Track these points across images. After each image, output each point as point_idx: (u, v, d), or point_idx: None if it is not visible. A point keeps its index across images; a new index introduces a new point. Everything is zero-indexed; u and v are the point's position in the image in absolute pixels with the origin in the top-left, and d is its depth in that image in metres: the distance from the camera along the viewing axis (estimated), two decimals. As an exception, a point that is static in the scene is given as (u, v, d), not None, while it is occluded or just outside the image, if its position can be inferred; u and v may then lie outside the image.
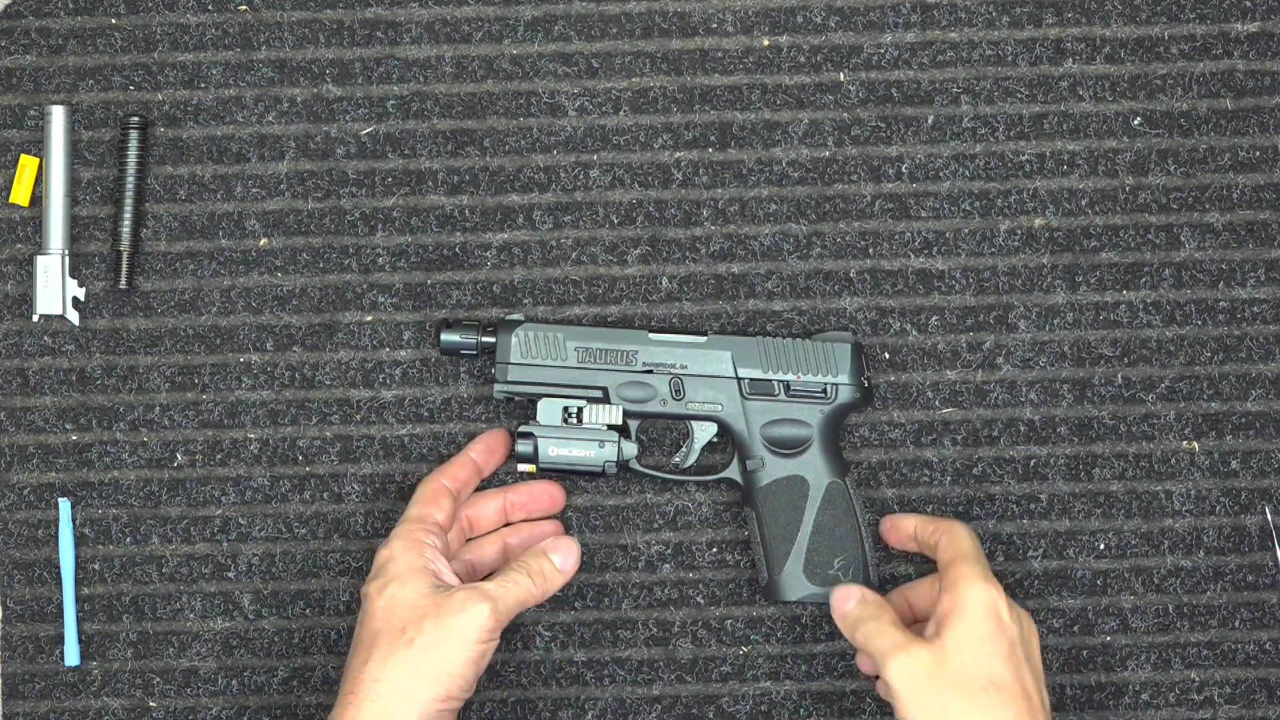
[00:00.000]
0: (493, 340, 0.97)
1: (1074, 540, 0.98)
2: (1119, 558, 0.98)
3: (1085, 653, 0.98)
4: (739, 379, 0.97)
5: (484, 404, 0.99)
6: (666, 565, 0.99)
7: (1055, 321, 0.99)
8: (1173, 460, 0.99)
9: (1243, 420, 0.99)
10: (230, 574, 0.98)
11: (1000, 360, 0.99)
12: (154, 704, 0.98)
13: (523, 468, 0.97)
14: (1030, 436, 0.98)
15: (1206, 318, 0.99)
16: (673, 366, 0.97)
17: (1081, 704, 0.98)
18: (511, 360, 0.97)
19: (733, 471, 0.98)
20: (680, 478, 0.99)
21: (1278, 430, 0.99)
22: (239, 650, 0.98)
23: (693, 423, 0.98)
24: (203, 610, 0.98)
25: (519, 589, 0.92)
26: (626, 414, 0.97)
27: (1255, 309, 0.99)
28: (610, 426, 0.97)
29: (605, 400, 0.97)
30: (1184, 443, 0.99)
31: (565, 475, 0.98)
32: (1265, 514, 0.98)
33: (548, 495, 0.99)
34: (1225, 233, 0.99)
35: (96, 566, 0.98)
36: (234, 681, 0.98)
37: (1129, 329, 0.99)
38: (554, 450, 0.96)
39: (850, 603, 0.91)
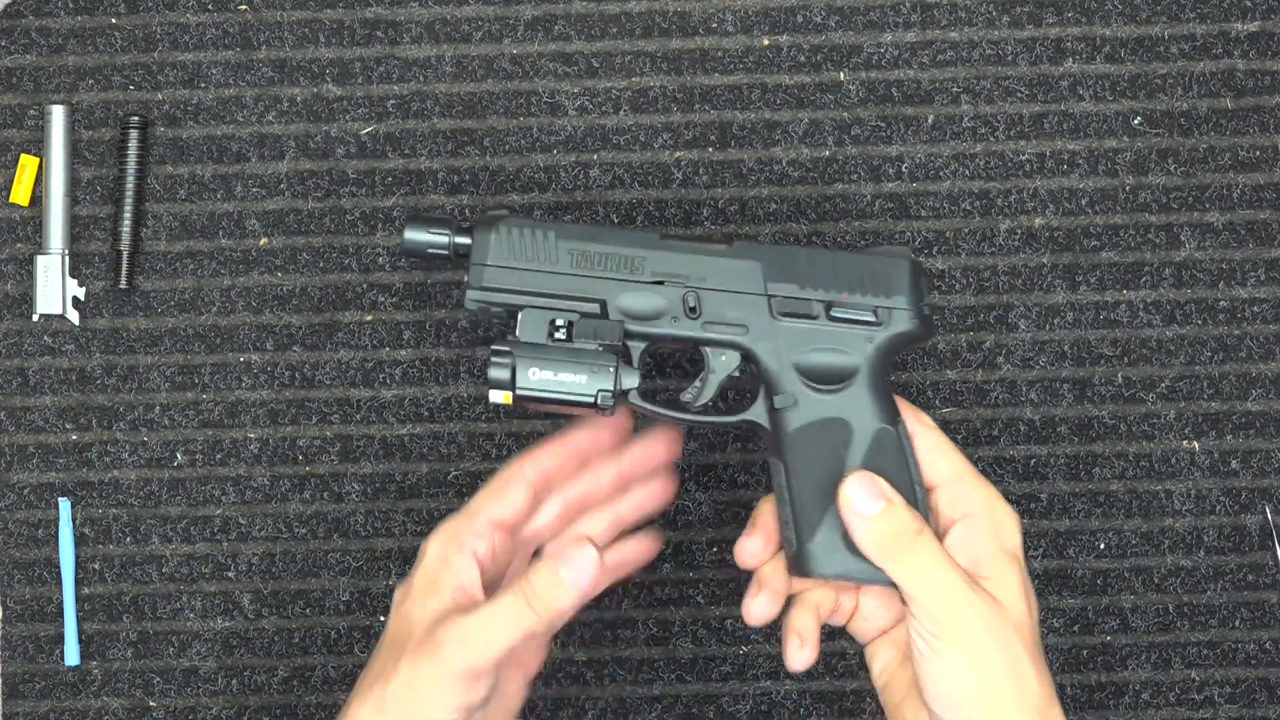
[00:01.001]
0: (468, 241, 0.82)
1: (1074, 540, 0.98)
2: (1119, 557, 0.98)
3: (1085, 653, 0.98)
4: (769, 296, 0.81)
5: (484, 404, 0.99)
6: (666, 565, 0.99)
7: (1055, 321, 0.99)
8: (1173, 460, 0.99)
9: (1243, 420, 0.99)
10: (230, 574, 0.99)
11: (1000, 360, 0.99)
12: (154, 704, 0.98)
13: (495, 396, 0.81)
14: (1030, 436, 0.98)
15: (1207, 317, 0.99)
16: (687, 277, 0.81)
17: (1081, 704, 0.98)
18: (489, 261, 0.81)
19: (757, 412, 0.82)
20: (691, 418, 0.82)
21: (1278, 430, 0.99)
22: (239, 650, 0.98)
23: (709, 350, 0.82)
24: (203, 610, 0.98)
25: (506, 620, 0.75)
26: (628, 333, 0.81)
27: (1255, 308, 0.99)
28: (607, 347, 0.80)
29: (603, 315, 0.81)
30: (1184, 442, 0.99)
31: (549, 407, 0.82)
32: (1265, 514, 0.98)
33: (664, 446, 0.84)
34: (1225, 232, 0.99)
35: (96, 566, 0.98)
36: (234, 681, 0.98)
37: (1129, 328, 0.99)
38: (536, 373, 0.80)
39: (878, 505, 0.76)
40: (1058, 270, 0.99)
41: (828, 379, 0.81)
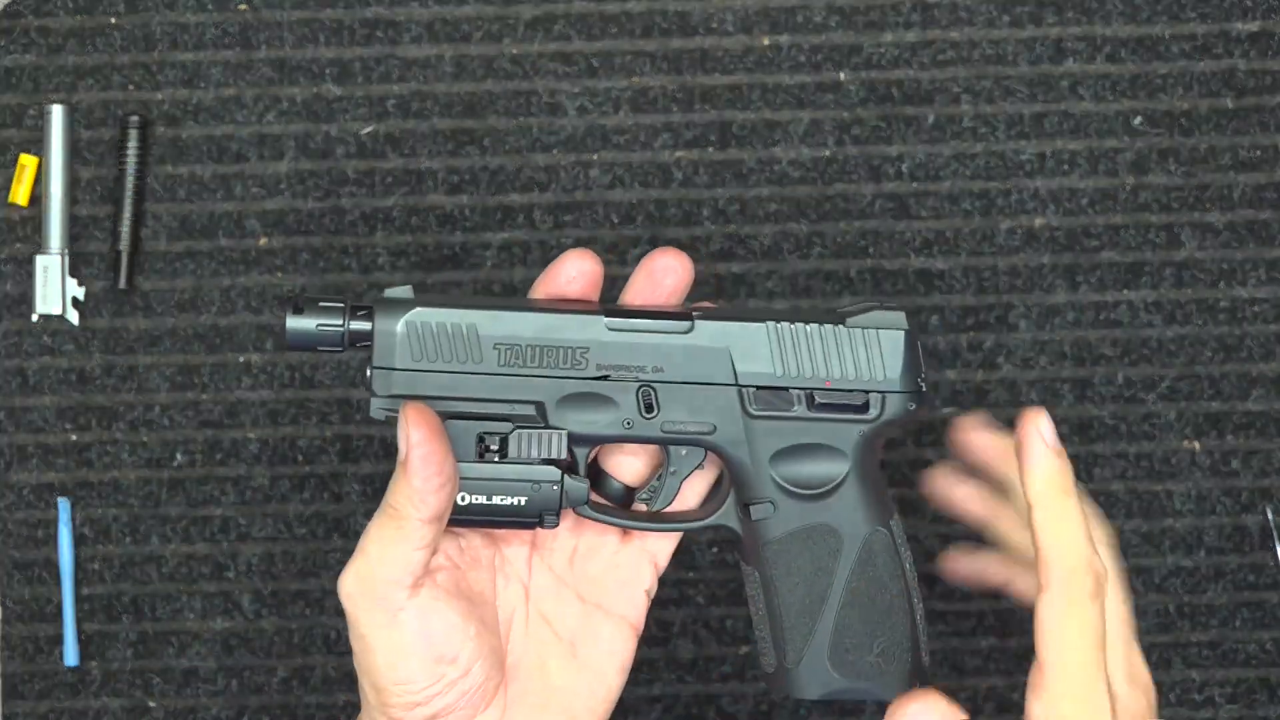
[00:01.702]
0: (367, 328, 0.68)
1: (1074, 540, 0.98)
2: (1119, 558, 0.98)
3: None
4: (740, 386, 0.69)
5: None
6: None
7: (1055, 321, 0.99)
8: (1173, 460, 0.98)
9: (1244, 420, 0.98)
10: (230, 574, 0.98)
11: (1000, 360, 0.99)
12: (154, 704, 0.98)
13: None
14: (1031, 436, 0.98)
15: (1207, 317, 0.99)
16: (641, 369, 0.69)
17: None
18: (397, 364, 0.67)
19: (729, 515, 0.71)
20: (650, 525, 0.72)
21: (1279, 430, 0.98)
22: (239, 650, 0.98)
23: (672, 449, 0.70)
24: (203, 610, 0.98)
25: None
26: (573, 440, 0.69)
27: (1256, 308, 0.99)
28: (549, 461, 0.68)
29: (540, 418, 0.68)
30: (1185, 442, 0.99)
31: (484, 528, 0.72)
32: (1266, 514, 0.98)
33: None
34: (1226, 232, 0.99)
35: (96, 566, 0.98)
36: (234, 681, 0.98)
37: (1129, 328, 0.99)
38: (468, 498, 0.68)
39: (1053, 445, 0.68)
40: (1058, 270, 0.99)
41: (811, 484, 0.69)
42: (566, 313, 0.69)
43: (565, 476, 0.69)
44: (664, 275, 0.72)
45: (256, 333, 0.99)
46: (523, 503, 0.68)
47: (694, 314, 0.69)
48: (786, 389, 0.69)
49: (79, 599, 0.98)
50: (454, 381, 0.68)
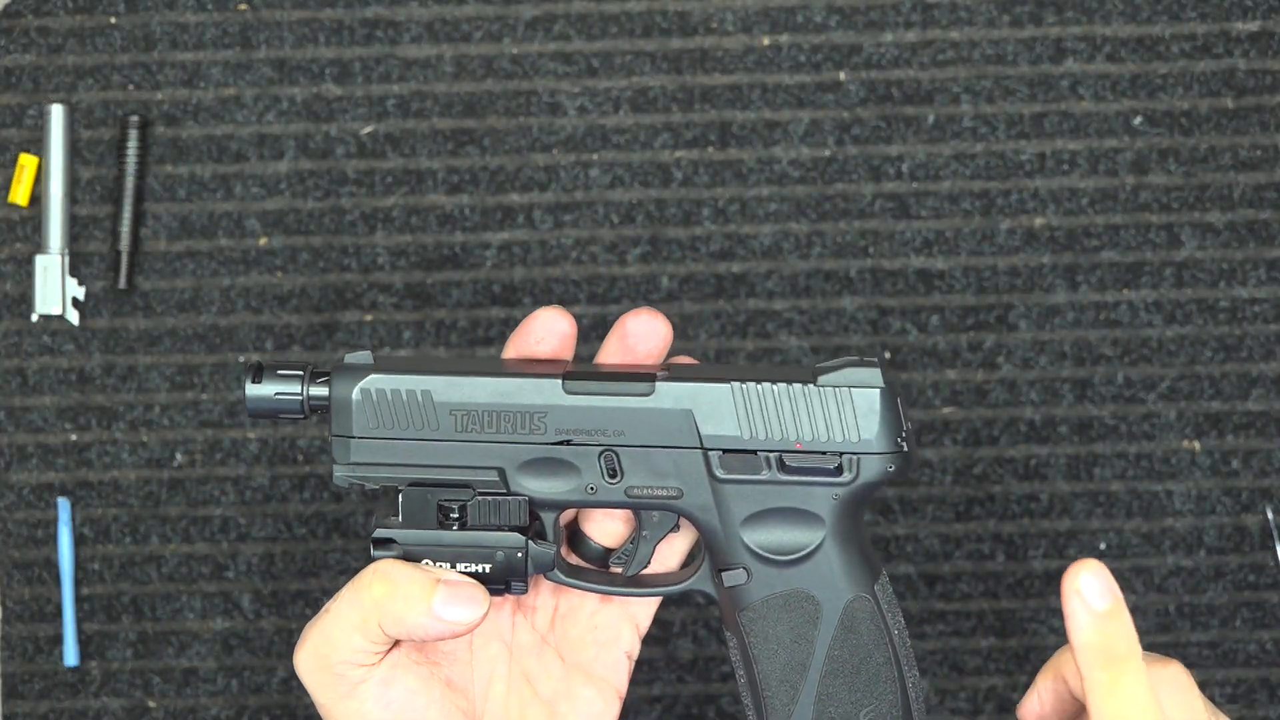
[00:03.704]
0: (325, 394, 0.67)
1: (1074, 540, 0.98)
2: (1119, 558, 0.98)
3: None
4: (705, 450, 0.66)
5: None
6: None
7: (1056, 321, 0.99)
8: (1173, 460, 0.98)
9: (1244, 420, 0.98)
10: (230, 574, 0.99)
11: (1000, 360, 0.99)
12: (154, 704, 0.98)
13: None
14: (1030, 436, 0.98)
15: (1207, 317, 0.99)
16: (603, 433, 0.66)
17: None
18: (355, 432, 0.66)
19: (703, 580, 0.68)
20: (624, 591, 0.69)
21: (1279, 430, 0.98)
22: (239, 650, 0.98)
23: (642, 513, 0.68)
24: (202, 610, 0.98)
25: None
26: (536, 505, 0.67)
27: (1256, 308, 0.99)
28: (512, 528, 0.67)
29: (501, 488, 0.67)
30: (1185, 442, 0.99)
31: None
32: (1266, 514, 0.98)
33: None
34: (1226, 232, 0.99)
35: (96, 566, 0.98)
36: (234, 681, 0.98)
37: (1130, 328, 0.99)
38: (431, 565, 0.67)
39: (1108, 602, 0.63)
40: (1058, 270, 0.99)
41: (786, 549, 0.66)
42: (523, 376, 0.66)
43: (530, 542, 0.67)
44: (637, 341, 0.69)
45: (256, 333, 0.99)
46: (487, 570, 0.66)
47: (658, 375, 0.66)
48: (754, 452, 0.66)
49: (79, 599, 0.98)
50: (411, 449, 0.66)
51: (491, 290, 0.99)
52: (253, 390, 0.67)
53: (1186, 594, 0.98)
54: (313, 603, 0.98)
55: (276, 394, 0.67)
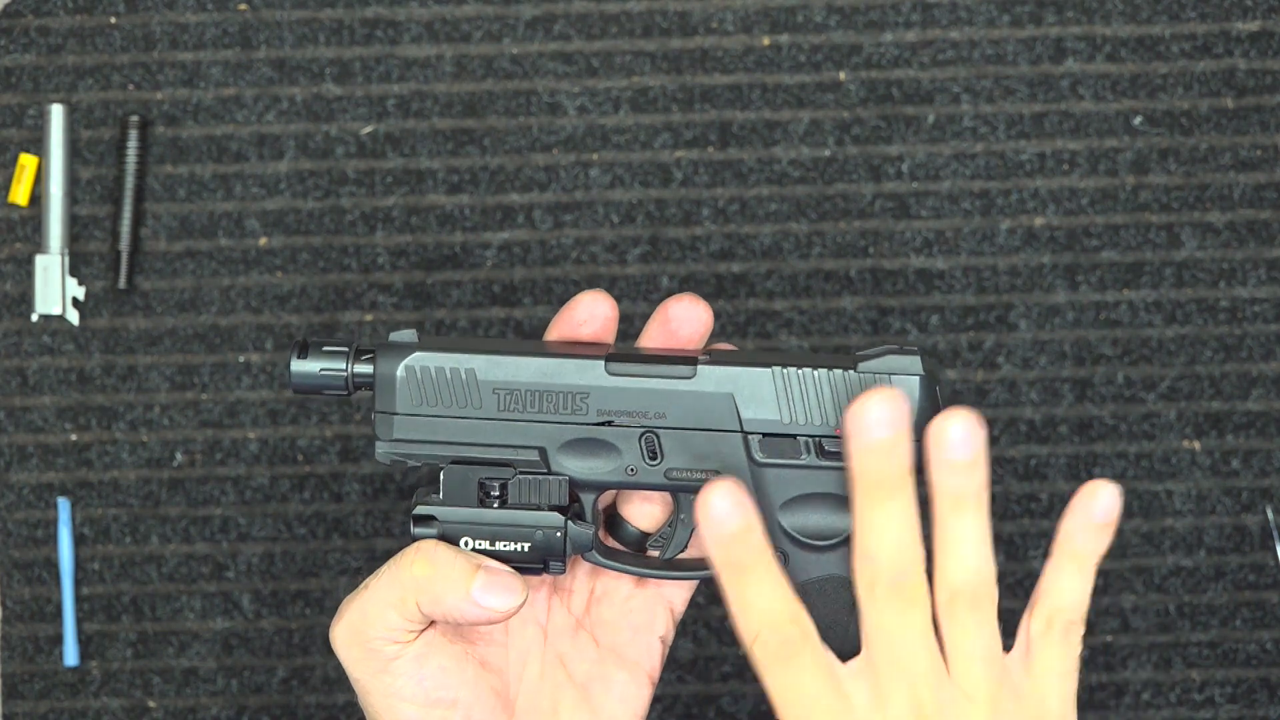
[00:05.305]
0: (369, 372, 0.68)
1: (1074, 540, 0.98)
2: (1119, 558, 0.98)
3: (1086, 653, 0.98)
4: (745, 434, 0.67)
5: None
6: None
7: (1056, 321, 0.99)
8: (1173, 460, 0.98)
9: (1244, 420, 0.98)
10: (230, 574, 0.99)
11: (1000, 360, 0.99)
12: (154, 704, 0.98)
13: None
14: (1031, 436, 0.98)
15: (1207, 317, 0.99)
16: (644, 415, 0.67)
17: (1082, 704, 0.98)
18: (398, 409, 0.67)
19: None
20: (660, 573, 0.69)
21: (1279, 430, 0.98)
22: (239, 650, 0.98)
23: (681, 495, 0.68)
24: (202, 610, 0.98)
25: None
26: (576, 485, 0.68)
27: (1256, 308, 0.99)
28: (552, 507, 0.67)
29: (543, 464, 0.67)
30: (1185, 442, 0.99)
31: None
32: (1266, 514, 0.98)
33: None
34: (1226, 232, 0.99)
35: (96, 566, 0.98)
36: (234, 681, 0.98)
37: (1130, 328, 0.99)
38: (469, 543, 0.67)
39: (735, 520, 0.62)
40: (1058, 270, 0.99)
41: (823, 534, 0.67)
42: (567, 357, 0.67)
43: (569, 523, 0.67)
44: (679, 325, 0.70)
45: (256, 333, 0.99)
46: (525, 549, 0.67)
47: (700, 358, 0.67)
48: (794, 436, 0.66)
49: (79, 599, 0.98)
50: (454, 426, 0.67)
51: (491, 290, 0.99)
52: (298, 366, 0.68)
53: (1186, 594, 0.98)
54: (313, 603, 0.98)
55: (322, 370, 0.68)
